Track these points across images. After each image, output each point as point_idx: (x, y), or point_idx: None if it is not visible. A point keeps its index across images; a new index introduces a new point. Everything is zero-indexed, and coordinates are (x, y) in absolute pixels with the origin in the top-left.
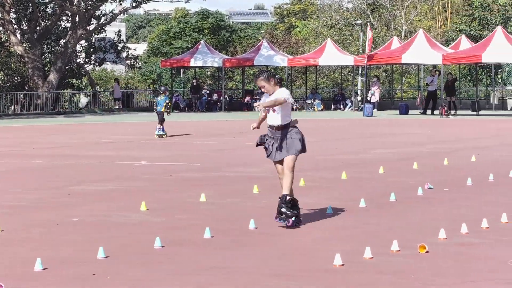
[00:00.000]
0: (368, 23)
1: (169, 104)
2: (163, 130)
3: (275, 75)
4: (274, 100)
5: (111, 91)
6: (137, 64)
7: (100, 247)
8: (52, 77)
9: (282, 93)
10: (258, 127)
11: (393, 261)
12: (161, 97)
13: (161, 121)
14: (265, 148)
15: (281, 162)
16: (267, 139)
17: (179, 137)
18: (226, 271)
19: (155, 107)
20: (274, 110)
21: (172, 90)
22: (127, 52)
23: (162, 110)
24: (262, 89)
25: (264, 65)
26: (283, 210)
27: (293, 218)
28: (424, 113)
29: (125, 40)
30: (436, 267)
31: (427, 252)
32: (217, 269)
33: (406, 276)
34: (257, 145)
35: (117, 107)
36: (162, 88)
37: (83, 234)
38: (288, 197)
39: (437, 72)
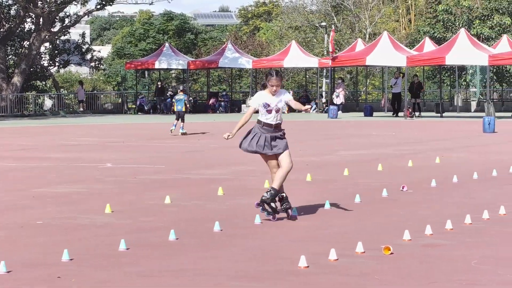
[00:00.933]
0: (332, 25)
1: (189, 101)
2: (183, 128)
3: (267, 75)
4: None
5: (75, 93)
6: (101, 66)
7: (65, 250)
8: (16, 79)
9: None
10: (233, 136)
11: (358, 263)
12: (180, 96)
13: (183, 119)
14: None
15: (273, 157)
16: (255, 135)
17: (144, 139)
18: (191, 273)
19: (173, 107)
20: (278, 110)
21: (136, 93)
22: (91, 54)
23: (183, 109)
24: (273, 89)
25: (229, 67)
26: (273, 204)
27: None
28: (394, 114)
29: (89, 42)
30: (401, 269)
31: (391, 253)
32: (182, 271)
33: (371, 278)
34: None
35: (81, 109)
36: (181, 86)
37: (47, 237)
38: (273, 192)
39: (401, 74)
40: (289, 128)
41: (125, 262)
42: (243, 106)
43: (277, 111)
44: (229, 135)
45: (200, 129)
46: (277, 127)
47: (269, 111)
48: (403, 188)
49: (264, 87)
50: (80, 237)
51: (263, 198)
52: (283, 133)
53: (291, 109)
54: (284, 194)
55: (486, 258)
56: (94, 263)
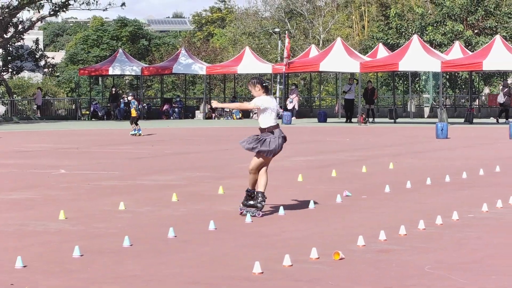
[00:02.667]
0: (286, 31)
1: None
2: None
3: (262, 82)
4: (239, 104)
5: (31, 99)
6: (55, 72)
7: (18, 257)
8: None
9: (255, 100)
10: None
11: (312, 269)
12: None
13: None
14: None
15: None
16: (266, 138)
17: (97, 145)
18: (145, 280)
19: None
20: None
21: (90, 99)
22: (45, 60)
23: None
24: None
25: (183, 73)
26: (252, 202)
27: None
28: (347, 121)
29: (42, 48)
30: (355, 274)
31: (341, 259)
32: (136, 277)
33: (325, 283)
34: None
35: (38, 115)
36: (130, 93)
37: (0, 244)
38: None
39: (354, 80)
40: (244, 134)
41: (78, 269)
42: (197, 112)
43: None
44: (214, 103)
45: (153, 135)
46: (262, 131)
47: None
48: (344, 194)
49: (266, 90)
50: (34, 244)
51: (261, 206)
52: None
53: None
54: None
55: (439, 263)
56: (48, 270)
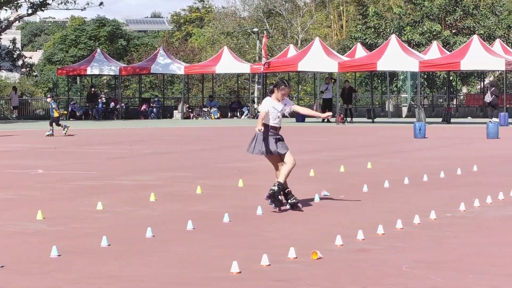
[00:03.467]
0: (264, 31)
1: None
2: (52, 131)
3: (275, 85)
4: (260, 116)
5: (7, 99)
6: (32, 72)
7: None
8: None
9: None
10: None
11: (290, 268)
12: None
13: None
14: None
15: (278, 157)
16: (263, 138)
17: (76, 145)
18: (123, 280)
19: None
20: (282, 115)
21: (68, 99)
22: (22, 60)
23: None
24: (284, 97)
25: (161, 73)
26: (279, 197)
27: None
28: (323, 120)
29: (20, 48)
30: (332, 274)
31: (319, 258)
32: (114, 277)
33: (303, 283)
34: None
35: (14, 115)
36: (49, 94)
37: None
38: (280, 186)
39: (332, 80)
40: (221, 134)
41: (56, 269)
42: (175, 112)
43: (282, 116)
44: (260, 129)
45: (132, 135)
46: (279, 130)
47: (277, 116)
48: (322, 193)
49: (271, 92)
50: (12, 244)
51: (272, 191)
52: (281, 136)
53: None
54: (289, 189)
55: (417, 263)
56: (25, 270)
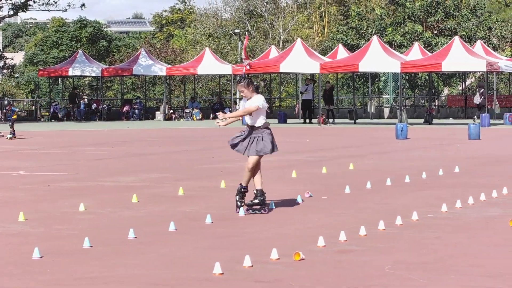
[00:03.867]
0: (246, 32)
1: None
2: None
3: (253, 83)
4: (244, 110)
5: None
6: (14, 73)
7: None
8: None
9: (256, 101)
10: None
11: (273, 269)
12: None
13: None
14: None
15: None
16: (241, 135)
17: (58, 146)
18: (105, 281)
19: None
20: (251, 114)
21: (50, 100)
22: (3, 61)
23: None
24: (242, 94)
25: (143, 75)
26: (256, 201)
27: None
28: (304, 121)
29: (1, 49)
30: (315, 275)
31: (302, 259)
32: (96, 278)
33: (285, 284)
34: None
35: None
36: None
37: None
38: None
39: (312, 81)
40: (203, 135)
41: (38, 270)
42: (157, 113)
43: (251, 114)
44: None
45: (114, 136)
46: (255, 128)
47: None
48: (307, 195)
49: (257, 89)
50: None
51: (258, 201)
52: (266, 134)
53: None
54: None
55: (399, 264)
56: (7, 271)
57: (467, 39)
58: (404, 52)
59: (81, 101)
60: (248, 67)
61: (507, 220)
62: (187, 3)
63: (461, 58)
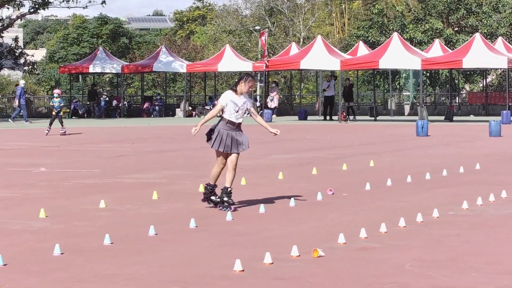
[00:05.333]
0: (266, 29)
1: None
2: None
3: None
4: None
5: (10, 97)
6: (35, 70)
7: None
8: None
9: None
10: (198, 130)
11: (293, 267)
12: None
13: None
14: (210, 138)
15: (228, 155)
16: (219, 131)
17: (78, 143)
18: (125, 278)
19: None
20: (243, 111)
21: (70, 97)
22: (24, 58)
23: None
24: (251, 89)
25: (163, 71)
26: (225, 199)
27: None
28: (324, 118)
29: (22, 46)
30: (335, 272)
31: (320, 256)
32: (115, 276)
33: (305, 281)
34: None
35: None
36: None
37: None
38: (229, 189)
39: (332, 77)
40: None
41: (59, 267)
42: (177, 110)
43: (243, 111)
44: (195, 129)
45: (134, 133)
46: (239, 126)
47: (236, 110)
48: (330, 192)
49: (235, 86)
50: (14, 242)
51: (229, 201)
52: (243, 132)
53: None
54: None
55: (420, 261)
56: (28, 268)
57: (488, 36)
58: (424, 49)
59: (101, 98)
60: (266, 64)
61: None
62: (204, 1)
63: (482, 54)
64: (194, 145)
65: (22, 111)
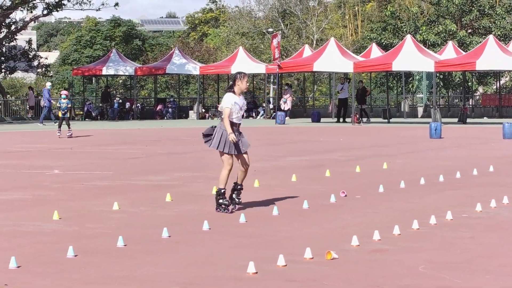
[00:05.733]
0: (279, 32)
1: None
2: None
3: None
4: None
5: (24, 99)
6: (48, 72)
7: (12, 257)
8: None
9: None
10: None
11: (306, 269)
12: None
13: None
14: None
15: (239, 155)
16: (222, 133)
17: (92, 145)
18: (138, 280)
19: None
20: (239, 111)
21: (83, 99)
22: (38, 60)
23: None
24: (245, 90)
25: (176, 74)
26: (234, 195)
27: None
28: (338, 121)
29: (36, 48)
30: (349, 274)
31: (333, 259)
32: (129, 278)
33: (319, 284)
34: (205, 136)
35: (30, 115)
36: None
37: None
38: (239, 186)
39: (346, 79)
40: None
41: (72, 269)
42: (190, 112)
43: (243, 111)
44: (233, 136)
45: (147, 135)
46: (239, 126)
47: (238, 111)
48: (342, 194)
49: (231, 87)
50: (28, 244)
51: (238, 200)
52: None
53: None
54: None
55: (433, 263)
56: (42, 270)
57: (502, 38)
58: (438, 51)
59: (114, 100)
60: (278, 66)
61: None
62: (218, 3)
63: (496, 56)
64: (207, 147)
65: (45, 112)
